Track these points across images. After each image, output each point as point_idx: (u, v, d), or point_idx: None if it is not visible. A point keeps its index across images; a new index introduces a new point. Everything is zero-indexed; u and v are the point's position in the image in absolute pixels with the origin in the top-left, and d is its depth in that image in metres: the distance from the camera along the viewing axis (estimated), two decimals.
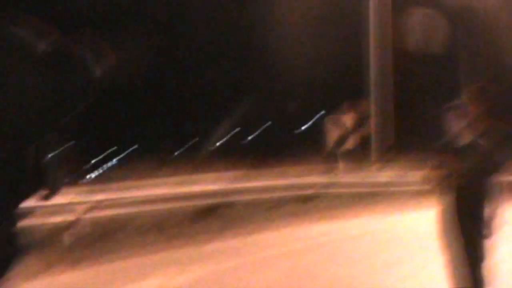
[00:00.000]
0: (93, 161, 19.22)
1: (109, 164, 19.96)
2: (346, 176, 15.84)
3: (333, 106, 17.25)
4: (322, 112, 17.13)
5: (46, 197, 3.71)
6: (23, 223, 3.45)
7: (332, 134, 16.65)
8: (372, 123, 18.43)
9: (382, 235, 10.80)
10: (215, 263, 8.47)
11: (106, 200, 10.48)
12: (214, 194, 11.71)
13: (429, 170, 5.43)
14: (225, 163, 16.65)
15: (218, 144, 22.80)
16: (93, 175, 17.83)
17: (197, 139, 22.47)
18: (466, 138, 5.10)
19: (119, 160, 20.33)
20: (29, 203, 3.51)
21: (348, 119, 16.54)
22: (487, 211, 5.17)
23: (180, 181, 12.81)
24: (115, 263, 8.53)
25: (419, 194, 15.00)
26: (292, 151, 18.84)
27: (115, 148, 21.03)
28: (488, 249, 5.24)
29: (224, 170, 15.27)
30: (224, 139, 23.11)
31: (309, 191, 13.90)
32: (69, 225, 9.55)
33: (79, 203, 10.30)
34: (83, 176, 16.57)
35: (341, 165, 16.51)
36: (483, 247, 5.21)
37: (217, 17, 22.35)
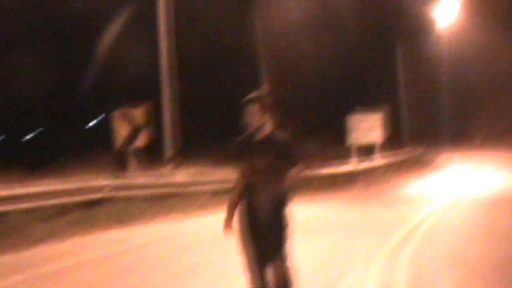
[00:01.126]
0: None
1: None
2: (138, 177, 14.69)
3: (122, 105, 16.02)
4: (110, 109, 15.60)
5: None
6: None
7: (121, 130, 15.15)
8: (166, 121, 17.44)
9: (181, 240, 10.11)
10: None
11: None
12: None
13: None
14: None
15: None
16: None
17: None
18: (263, 131, 4.91)
19: None
20: None
21: (138, 113, 15.10)
22: (283, 210, 4.92)
23: None
24: None
25: (217, 194, 14.53)
26: (76, 151, 17.34)
27: None
28: (286, 249, 4.93)
29: None
30: None
31: (97, 195, 12.64)
32: None
33: None
34: None
35: (131, 165, 15.21)
36: (280, 247, 4.90)
37: None
